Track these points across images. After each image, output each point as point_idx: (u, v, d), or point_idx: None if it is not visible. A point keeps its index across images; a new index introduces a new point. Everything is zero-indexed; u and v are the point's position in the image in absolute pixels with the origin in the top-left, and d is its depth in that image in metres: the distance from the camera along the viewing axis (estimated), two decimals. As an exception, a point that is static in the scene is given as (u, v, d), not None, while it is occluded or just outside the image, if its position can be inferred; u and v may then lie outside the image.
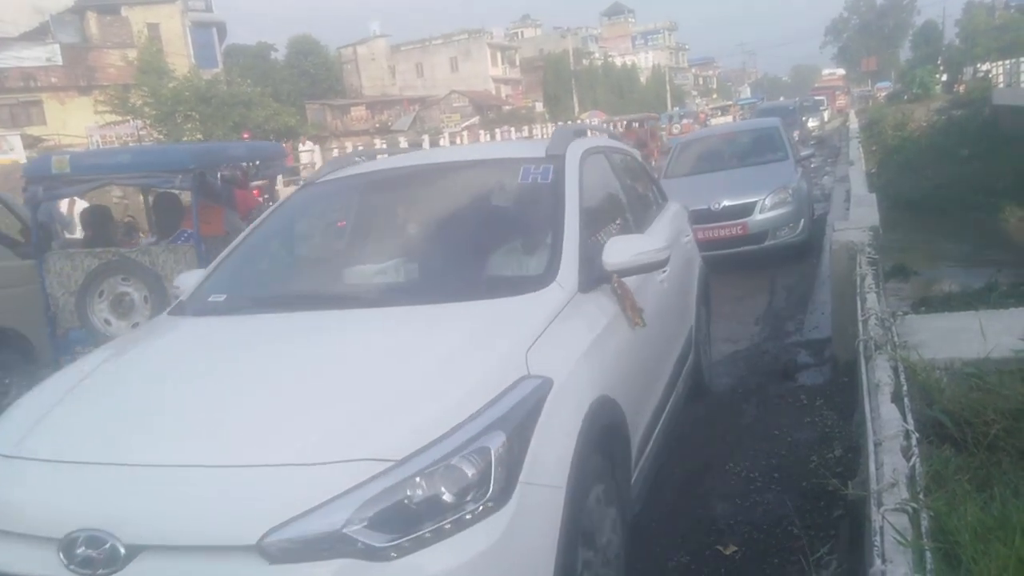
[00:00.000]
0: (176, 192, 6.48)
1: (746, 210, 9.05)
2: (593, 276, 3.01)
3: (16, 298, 6.25)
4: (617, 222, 3.88)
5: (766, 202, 9.06)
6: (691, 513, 3.76)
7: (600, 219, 3.61)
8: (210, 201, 5.97)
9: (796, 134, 20.46)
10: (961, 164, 23.15)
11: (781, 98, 67.18)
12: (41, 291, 5.95)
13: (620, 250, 3.05)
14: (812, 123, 32.89)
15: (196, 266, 5.19)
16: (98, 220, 6.74)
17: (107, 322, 5.74)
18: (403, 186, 3.87)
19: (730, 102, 61.45)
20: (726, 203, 9.06)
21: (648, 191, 5.02)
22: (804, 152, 11.11)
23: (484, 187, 3.67)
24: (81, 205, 9.20)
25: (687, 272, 4.79)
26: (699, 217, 8.14)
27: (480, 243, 3.36)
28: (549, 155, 3.49)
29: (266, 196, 8.12)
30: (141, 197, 9.11)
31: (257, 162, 7.07)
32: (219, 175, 6.45)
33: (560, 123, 39.23)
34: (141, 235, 7.94)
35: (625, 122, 32.86)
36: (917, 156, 25.16)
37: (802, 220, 9.23)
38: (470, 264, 3.24)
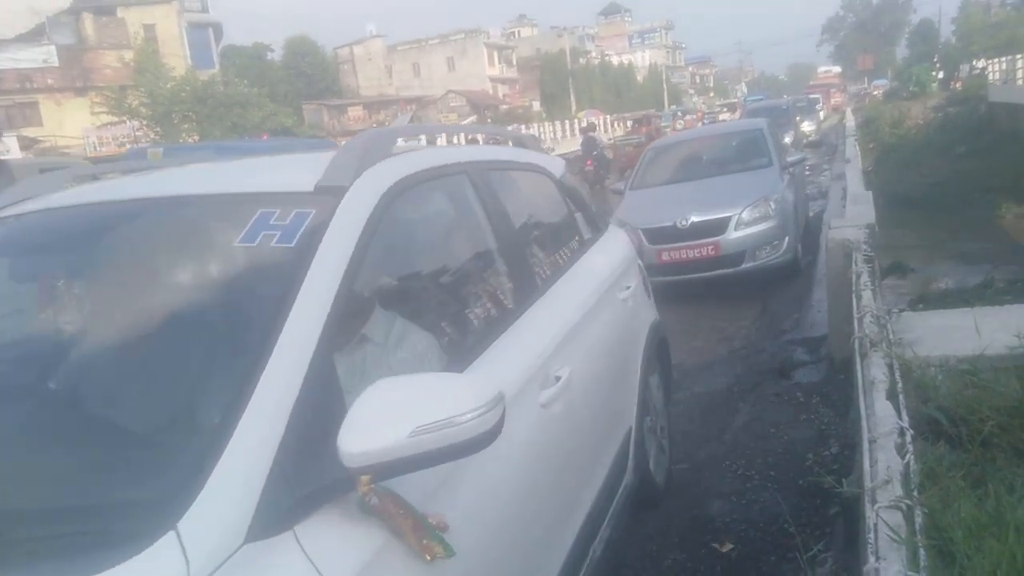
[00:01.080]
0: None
1: (719, 227, 7.83)
2: (315, 487, 1.45)
3: None
4: (450, 322, 2.29)
5: (743, 216, 7.84)
6: (687, 511, 3.76)
7: (417, 321, 2.14)
8: None
9: (789, 137, 19.03)
10: (958, 161, 23.17)
11: (778, 95, 66.10)
12: None
13: (373, 429, 1.42)
14: (807, 126, 27.16)
15: None
16: None
17: None
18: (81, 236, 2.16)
19: (735, 99, 59.93)
20: (695, 219, 7.82)
21: (565, 229, 3.45)
22: (792, 157, 9.56)
23: (173, 259, 1.91)
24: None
25: (624, 352, 3.34)
26: (664, 236, 7.80)
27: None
28: (318, 190, 1.92)
29: None
30: None
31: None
32: None
33: (558, 121, 39.21)
34: None
35: (631, 120, 35.19)
36: (914, 153, 25.16)
37: (787, 237, 7.95)
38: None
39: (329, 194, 1.89)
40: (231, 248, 1.83)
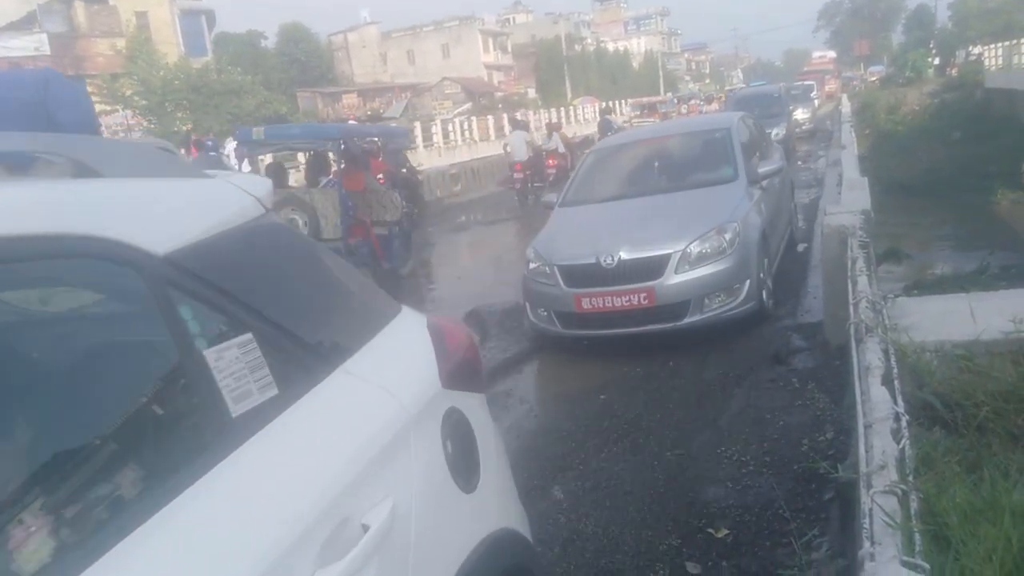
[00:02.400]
0: (325, 152, 9.61)
1: (655, 268, 5.95)
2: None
3: None
4: None
5: (689, 253, 5.94)
6: (683, 497, 3.77)
7: None
8: (354, 166, 9.23)
9: (782, 128, 18.11)
10: (953, 147, 23.20)
11: (737, 85, 62.87)
12: None
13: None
14: (801, 114, 25.26)
15: (337, 206, 8.50)
16: (277, 170, 10.16)
17: None
18: None
19: (741, 85, 57.44)
20: (624, 256, 5.97)
21: None
22: (766, 166, 7.21)
23: None
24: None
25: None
26: (585, 277, 6.07)
27: None
28: None
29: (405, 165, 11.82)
30: (300, 156, 12.71)
31: (378, 139, 10.74)
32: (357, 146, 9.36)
33: (553, 109, 39.06)
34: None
35: (640, 106, 36.37)
36: (909, 140, 25.19)
37: (748, 281, 6.05)
38: None
39: None
40: None
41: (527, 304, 6.63)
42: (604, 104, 31.79)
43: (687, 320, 5.91)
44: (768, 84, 30.34)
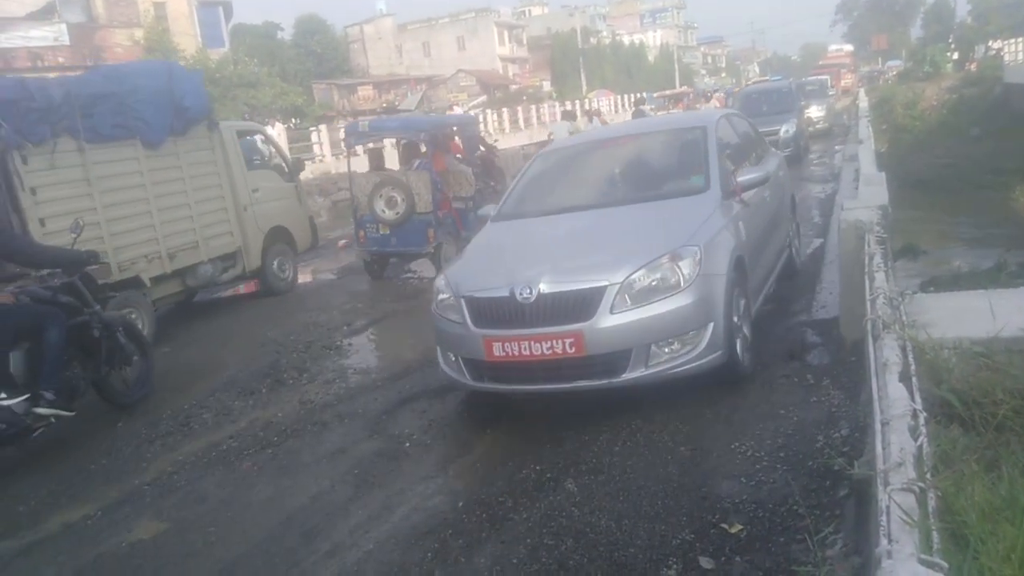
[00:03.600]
0: (417, 141, 10.97)
1: (584, 305, 4.56)
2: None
3: (283, 207, 10.69)
4: None
5: (632, 284, 4.58)
6: (697, 491, 3.76)
7: None
8: (440, 150, 10.61)
9: (788, 128, 17.13)
10: (972, 143, 23.00)
11: (761, 77, 61.45)
12: (300, 204, 11.18)
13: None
14: (815, 111, 23.29)
15: (428, 185, 9.88)
16: (377, 155, 11.97)
17: (383, 211, 10.07)
18: None
19: (766, 77, 53.44)
20: (546, 288, 4.60)
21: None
22: (749, 175, 5.76)
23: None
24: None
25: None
26: (497, 314, 4.73)
27: None
28: None
29: (482, 145, 12.79)
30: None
31: (455, 127, 11.96)
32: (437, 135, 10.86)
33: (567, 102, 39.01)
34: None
35: (666, 97, 37.05)
36: (927, 135, 25.01)
37: (711, 324, 4.66)
38: None
39: None
40: None
41: (438, 347, 5.35)
42: (638, 95, 32.13)
43: (627, 376, 4.54)
44: (782, 79, 27.39)
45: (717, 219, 5.17)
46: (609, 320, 4.49)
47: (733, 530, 3.39)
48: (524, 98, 50.62)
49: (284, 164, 11.14)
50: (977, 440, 2.71)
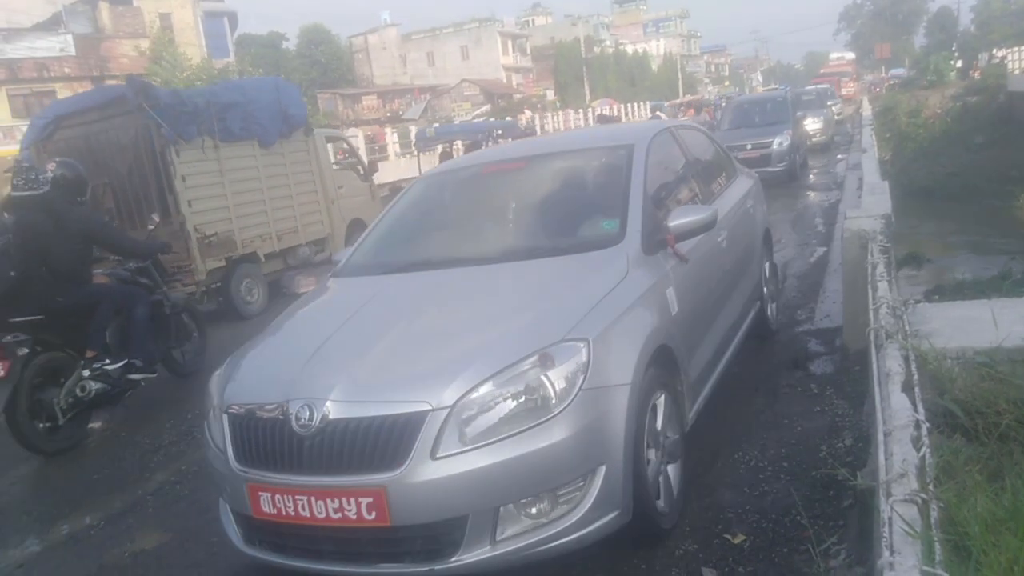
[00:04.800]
0: (478, 141, 14.81)
1: (392, 440, 2.86)
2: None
3: (361, 202, 12.56)
4: None
5: (471, 406, 2.88)
6: (699, 501, 3.75)
7: None
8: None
9: (782, 140, 15.55)
10: (976, 152, 22.99)
11: (773, 85, 59.31)
12: (374, 200, 12.94)
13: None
14: (812, 123, 20.72)
15: None
16: (447, 155, 15.31)
17: None
18: None
19: (775, 85, 51.56)
20: (334, 408, 2.94)
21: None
22: (685, 218, 4.01)
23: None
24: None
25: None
26: (264, 445, 3.09)
27: None
28: None
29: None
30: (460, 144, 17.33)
31: (501, 131, 16.56)
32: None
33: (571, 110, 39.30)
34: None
35: (681, 104, 36.51)
36: (931, 143, 25.00)
37: (601, 469, 2.98)
38: None
39: None
40: None
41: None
42: (654, 103, 32.91)
43: (459, 560, 2.86)
44: (785, 88, 25.36)
45: (629, 289, 3.50)
46: (430, 469, 2.79)
47: (736, 540, 3.38)
48: (538, 105, 50.82)
49: (361, 167, 13.28)
50: (980, 451, 2.70)
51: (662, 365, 3.48)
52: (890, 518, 1.94)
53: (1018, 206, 16.98)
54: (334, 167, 12.53)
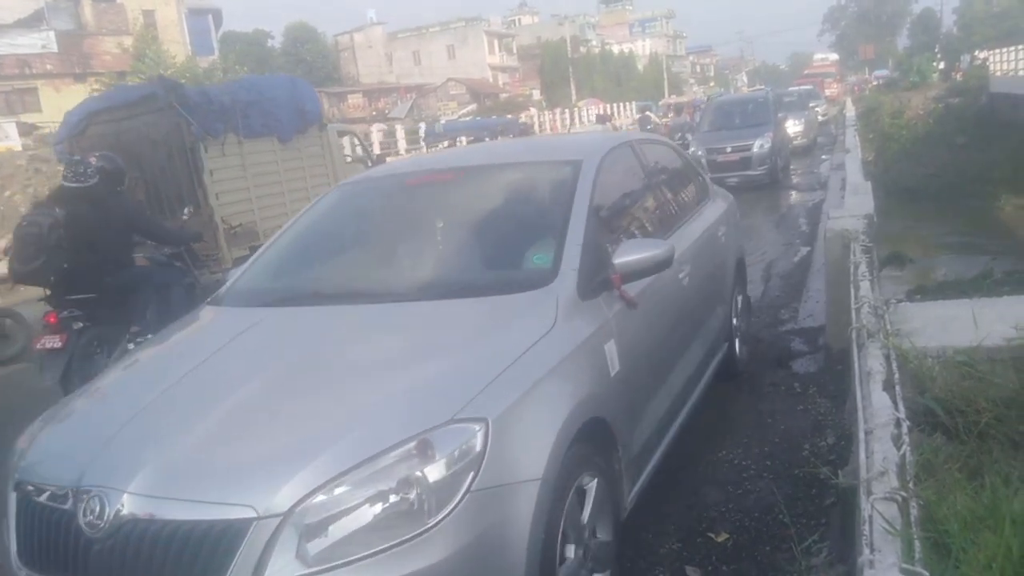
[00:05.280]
0: (483, 135, 23.34)
1: (204, 560, 2.07)
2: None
3: None
4: None
5: (315, 511, 2.09)
6: (683, 500, 3.76)
7: None
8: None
9: (763, 143, 15.04)
10: (958, 152, 23.14)
11: (759, 86, 59.30)
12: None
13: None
14: (793, 126, 20.33)
15: None
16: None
17: None
18: None
19: (761, 86, 46.93)
20: (132, 504, 2.18)
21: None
22: (634, 254, 3.23)
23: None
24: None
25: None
26: (47, 542, 2.34)
27: None
28: None
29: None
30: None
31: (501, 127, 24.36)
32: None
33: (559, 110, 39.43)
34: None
35: (670, 105, 36.92)
36: (914, 144, 25.13)
37: None
38: None
39: None
40: None
41: None
42: (601, 110, 33.32)
43: None
44: (768, 89, 23.81)
45: (554, 344, 2.74)
46: None
47: (719, 539, 3.39)
48: (529, 107, 50.81)
49: (369, 160, 13.68)
50: (960, 448, 2.73)
51: (592, 442, 2.72)
52: (870, 516, 1.95)
53: (999, 206, 17.14)
54: (347, 160, 13.04)
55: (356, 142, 14.44)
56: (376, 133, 29.07)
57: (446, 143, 17.71)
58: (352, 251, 3.96)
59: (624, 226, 3.84)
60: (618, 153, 4.08)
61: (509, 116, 33.99)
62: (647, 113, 26.66)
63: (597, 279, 3.13)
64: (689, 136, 18.49)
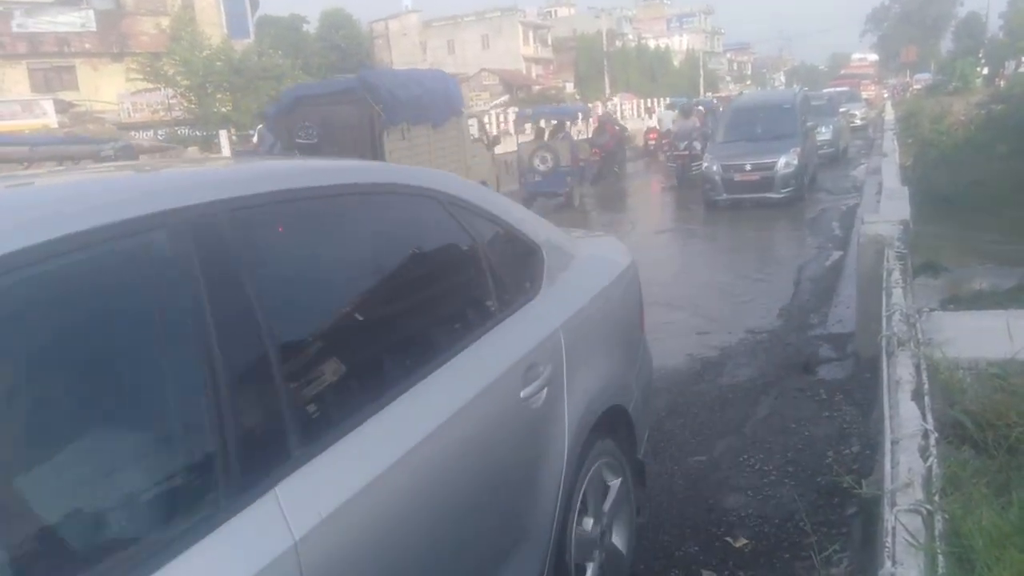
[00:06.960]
0: (563, 119, 18.47)
1: None
2: None
3: (487, 168, 14.76)
4: None
5: None
6: (702, 503, 3.73)
7: None
8: (562, 128, 17.78)
9: (789, 160, 13.08)
10: (999, 160, 22.72)
11: (796, 86, 58.47)
12: (493, 164, 15.46)
13: None
14: (820, 135, 17.55)
15: (568, 150, 16.33)
16: (540, 131, 18.35)
17: (539, 165, 16.05)
18: None
19: (797, 87, 47.09)
20: None
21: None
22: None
23: None
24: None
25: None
26: None
27: None
28: None
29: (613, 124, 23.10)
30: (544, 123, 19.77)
31: (580, 113, 20.93)
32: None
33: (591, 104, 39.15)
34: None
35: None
36: (954, 151, 24.71)
37: None
38: None
39: None
40: None
41: None
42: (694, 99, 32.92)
43: None
44: (799, 90, 20.27)
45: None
46: None
47: (738, 544, 3.35)
48: (520, 98, 50.61)
49: (485, 138, 15.76)
50: (988, 463, 2.67)
51: None
52: (894, 528, 1.91)
53: (1038, 217, 16.79)
54: (472, 140, 14.89)
55: (476, 125, 16.63)
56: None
57: (528, 126, 19.09)
58: None
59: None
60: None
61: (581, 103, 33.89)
62: (699, 109, 22.21)
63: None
64: (698, 145, 17.19)
